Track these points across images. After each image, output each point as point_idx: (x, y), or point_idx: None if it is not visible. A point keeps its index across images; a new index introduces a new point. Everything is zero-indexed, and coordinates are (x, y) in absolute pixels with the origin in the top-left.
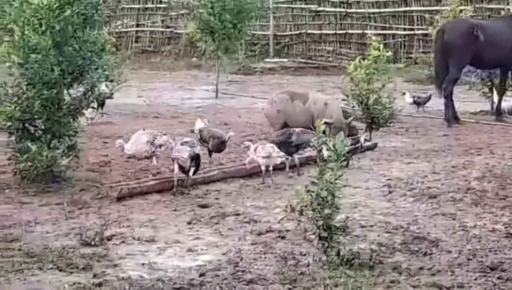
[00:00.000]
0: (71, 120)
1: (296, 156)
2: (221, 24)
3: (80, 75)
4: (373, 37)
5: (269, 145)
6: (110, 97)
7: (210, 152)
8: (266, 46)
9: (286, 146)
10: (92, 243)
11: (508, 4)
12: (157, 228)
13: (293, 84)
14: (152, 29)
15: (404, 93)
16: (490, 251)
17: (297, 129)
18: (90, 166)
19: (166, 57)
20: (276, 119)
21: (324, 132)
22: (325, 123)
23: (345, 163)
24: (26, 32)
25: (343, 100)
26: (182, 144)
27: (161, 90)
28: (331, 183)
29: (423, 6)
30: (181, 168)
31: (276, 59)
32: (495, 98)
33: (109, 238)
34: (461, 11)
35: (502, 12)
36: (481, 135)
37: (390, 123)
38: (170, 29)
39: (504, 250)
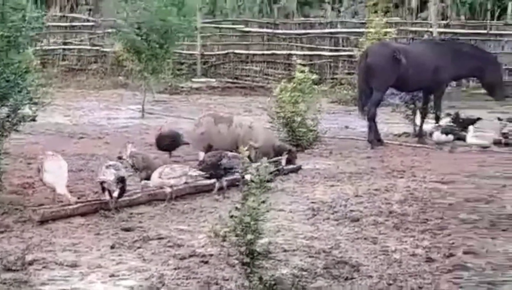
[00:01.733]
0: None
1: (224, 179)
2: (147, 44)
3: (3, 98)
4: (298, 60)
5: (178, 166)
6: (33, 120)
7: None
8: (193, 66)
9: (216, 168)
10: (13, 268)
11: (431, 27)
12: (80, 253)
13: (220, 104)
14: (79, 47)
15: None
16: (410, 276)
17: (229, 153)
18: (13, 188)
19: (92, 75)
20: (200, 142)
21: (249, 157)
22: (251, 147)
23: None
24: None
25: (269, 122)
26: (107, 167)
27: (88, 109)
28: (254, 208)
29: (348, 28)
30: (107, 191)
31: (203, 79)
32: (418, 120)
33: (30, 263)
34: (385, 33)
35: (425, 35)
36: (403, 158)
37: (314, 145)
38: (96, 48)
39: (423, 275)
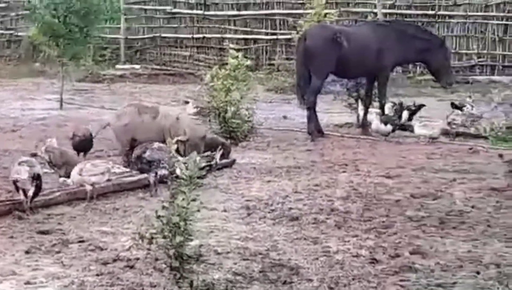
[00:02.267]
0: None
1: (151, 175)
2: (66, 27)
3: None
4: (231, 45)
5: (100, 161)
6: None
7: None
8: (117, 51)
9: (138, 161)
10: None
11: (375, 8)
12: None
13: (146, 93)
14: None
15: (186, 102)
16: (353, 279)
17: (155, 144)
18: None
19: (5, 62)
20: (123, 134)
21: (177, 150)
22: (178, 141)
23: (202, 182)
24: None
25: (199, 113)
26: (20, 164)
27: (0, 99)
28: (184, 207)
29: (286, 9)
30: (21, 190)
31: (127, 66)
32: (361, 109)
33: None
34: (325, 15)
35: (369, 17)
36: (346, 150)
37: (249, 137)
38: (10, 32)
39: (368, 277)
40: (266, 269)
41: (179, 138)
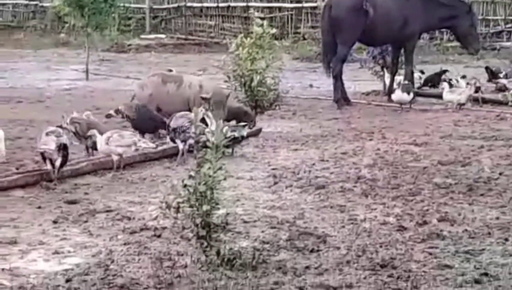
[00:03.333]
0: None
1: (180, 143)
2: None
3: None
4: (256, 13)
5: (128, 133)
6: None
7: (88, 149)
8: (142, 21)
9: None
10: None
11: None
12: (19, 228)
13: (172, 62)
14: (15, 1)
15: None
16: (380, 247)
17: (179, 113)
18: None
19: (30, 33)
20: (148, 104)
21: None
22: (203, 98)
23: (229, 151)
24: None
25: (225, 81)
26: (47, 134)
27: (25, 70)
28: (210, 176)
29: None
30: (48, 160)
31: (152, 35)
32: (387, 77)
33: None
34: None
35: None
36: (373, 118)
37: (276, 106)
38: (35, 2)
39: (395, 245)
40: (293, 237)
41: (203, 95)
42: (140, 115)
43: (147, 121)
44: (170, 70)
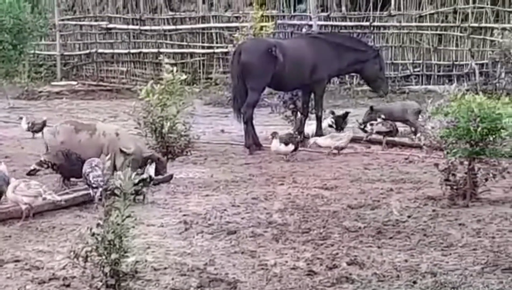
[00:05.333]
0: None
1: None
2: None
3: None
4: (166, 59)
5: (35, 183)
6: None
7: None
8: (53, 68)
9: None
10: None
11: (311, 20)
12: None
13: (84, 109)
14: None
15: (20, 118)
16: None
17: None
18: None
19: None
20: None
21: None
22: (122, 152)
23: (140, 198)
24: None
25: (136, 128)
26: None
27: None
28: (118, 224)
29: (222, 22)
30: None
31: (64, 82)
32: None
33: None
34: (261, 28)
35: (304, 30)
36: (284, 163)
37: (187, 152)
38: None
39: (305, 289)
40: (204, 284)
41: (124, 149)
42: (69, 160)
43: (75, 166)
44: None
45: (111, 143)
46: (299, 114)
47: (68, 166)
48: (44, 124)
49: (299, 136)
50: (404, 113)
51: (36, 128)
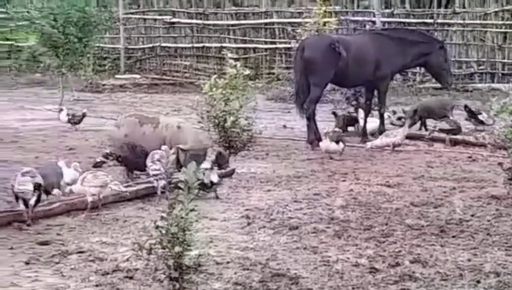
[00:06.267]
0: None
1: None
2: (65, 38)
3: None
4: (229, 54)
5: (102, 173)
6: None
7: None
8: (117, 61)
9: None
10: None
11: (374, 16)
12: None
13: (146, 102)
14: None
15: (61, 109)
16: (353, 289)
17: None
18: None
19: (5, 73)
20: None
21: (178, 160)
22: (179, 149)
23: (213, 194)
24: None
25: (199, 122)
26: (23, 175)
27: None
28: (182, 218)
29: (285, 18)
30: (22, 200)
31: (127, 75)
32: (361, 118)
33: None
34: (324, 23)
35: (367, 26)
36: (346, 159)
37: (249, 146)
38: (10, 42)
39: (367, 287)
40: (266, 279)
41: (180, 146)
42: (133, 153)
43: (139, 158)
44: (61, 109)
45: (174, 136)
46: (360, 110)
47: (133, 158)
48: (83, 116)
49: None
50: (442, 109)
51: (76, 120)
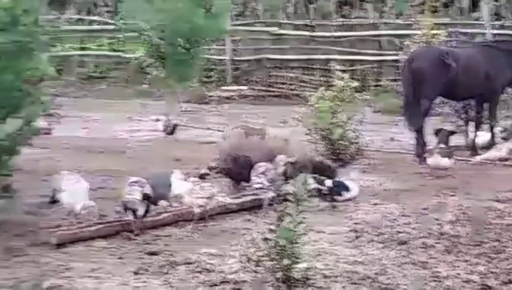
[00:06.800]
0: (6, 158)
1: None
2: (172, 49)
3: (15, 109)
4: (337, 66)
5: (209, 185)
6: (48, 133)
7: None
8: (223, 72)
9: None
10: None
11: (484, 29)
12: (100, 279)
13: (253, 114)
14: (98, 53)
15: (158, 119)
16: None
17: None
18: (27, 207)
19: (113, 84)
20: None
21: (284, 172)
22: (287, 162)
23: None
24: None
25: (306, 134)
26: (131, 184)
27: (108, 121)
28: (290, 230)
29: (393, 29)
30: (130, 210)
31: (233, 87)
32: (471, 132)
33: None
34: (433, 35)
35: (476, 38)
36: (455, 173)
37: (356, 159)
38: (117, 54)
39: None
40: None
41: (289, 159)
42: (236, 165)
43: (243, 169)
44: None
45: (280, 148)
46: (470, 124)
47: (236, 170)
48: (175, 127)
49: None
50: None
51: (169, 130)
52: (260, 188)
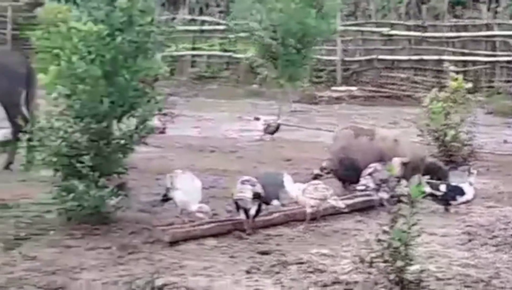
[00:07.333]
0: (121, 156)
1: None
2: (284, 49)
3: (131, 108)
4: (451, 67)
5: (322, 186)
6: (162, 132)
7: None
8: (333, 73)
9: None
10: None
11: None
12: (212, 277)
13: (363, 115)
14: (209, 53)
15: (258, 118)
16: None
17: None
18: (141, 205)
19: (224, 83)
20: (340, 156)
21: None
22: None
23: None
24: (74, 60)
25: (418, 135)
26: (242, 183)
27: (218, 120)
28: (404, 231)
29: (507, 30)
30: (242, 209)
31: (344, 87)
32: None
33: (160, 288)
34: None
35: None
36: None
37: (469, 161)
38: (228, 54)
39: None
40: None
41: (402, 159)
42: (343, 166)
43: (349, 171)
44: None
45: (390, 149)
46: None
47: (342, 171)
48: (278, 127)
49: None
50: None
51: (270, 130)
52: (365, 190)
